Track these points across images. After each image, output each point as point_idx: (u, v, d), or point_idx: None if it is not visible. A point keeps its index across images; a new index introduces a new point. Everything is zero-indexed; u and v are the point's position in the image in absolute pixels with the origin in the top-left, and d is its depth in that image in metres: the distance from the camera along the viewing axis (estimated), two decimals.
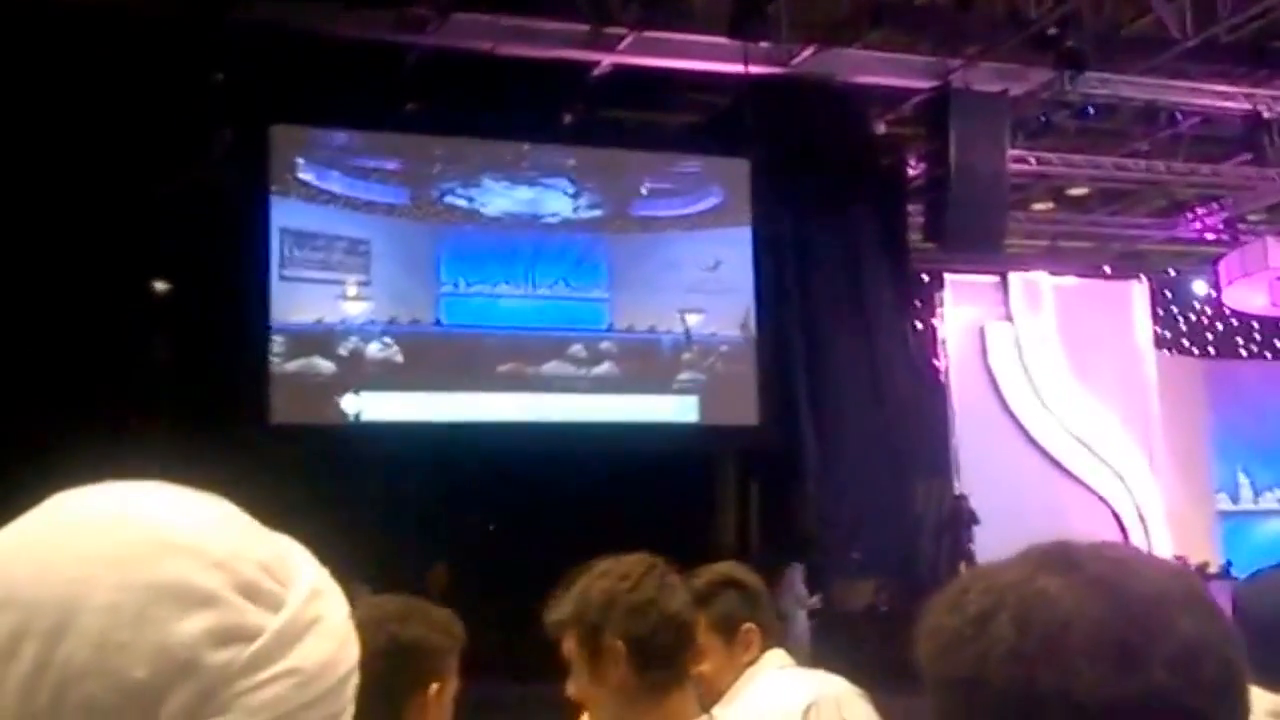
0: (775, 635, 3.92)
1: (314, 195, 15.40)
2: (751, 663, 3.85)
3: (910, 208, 18.29)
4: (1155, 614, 1.12)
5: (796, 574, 15.21)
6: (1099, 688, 1.08)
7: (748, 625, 3.85)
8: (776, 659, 3.84)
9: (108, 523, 0.98)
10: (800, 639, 13.80)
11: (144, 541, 0.97)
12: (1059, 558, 1.18)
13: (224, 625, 0.95)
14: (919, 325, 20.76)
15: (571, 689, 3.01)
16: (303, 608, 1.00)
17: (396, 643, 2.60)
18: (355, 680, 1.04)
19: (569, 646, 2.98)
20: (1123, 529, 20.70)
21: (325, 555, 1.08)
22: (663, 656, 2.93)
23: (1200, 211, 22.13)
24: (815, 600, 15.29)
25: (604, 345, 16.48)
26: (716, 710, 3.38)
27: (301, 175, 15.36)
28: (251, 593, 0.98)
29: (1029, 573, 1.16)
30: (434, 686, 2.64)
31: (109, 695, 0.91)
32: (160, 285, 15.40)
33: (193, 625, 0.94)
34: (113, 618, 0.92)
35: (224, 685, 0.94)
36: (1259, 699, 1.51)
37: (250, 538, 1.02)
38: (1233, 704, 1.13)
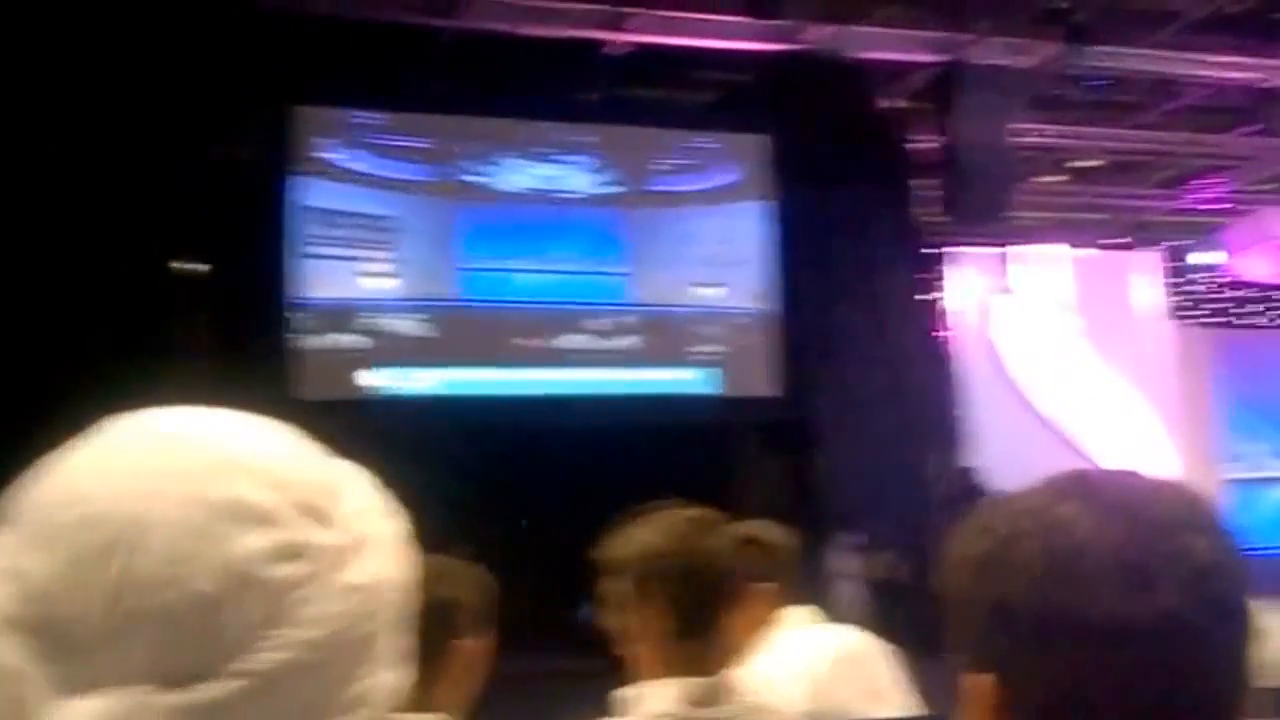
0: (798, 596, 3.89)
1: (337, 174, 15.42)
2: (766, 621, 3.83)
3: (919, 181, 18.25)
4: (1168, 536, 1.16)
5: (848, 543, 15.34)
6: (1114, 609, 1.12)
7: (766, 585, 3.83)
8: (800, 616, 3.83)
9: (173, 442, 1.02)
10: (846, 606, 13.87)
11: (208, 461, 1.00)
12: (1076, 485, 1.22)
13: (282, 542, 0.99)
14: (928, 298, 20.73)
15: (612, 623, 3.03)
16: (359, 526, 1.04)
17: (433, 600, 2.54)
18: (411, 597, 1.07)
19: (614, 589, 3.00)
20: None
21: None
22: (703, 606, 2.94)
23: (1207, 181, 22.08)
24: (862, 569, 15.32)
25: (625, 319, 16.53)
26: (742, 667, 3.39)
27: (324, 155, 15.38)
28: (308, 511, 1.02)
29: (1048, 500, 1.21)
30: (467, 641, 2.66)
31: (176, 606, 0.94)
32: (185, 265, 15.44)
33: (252, 541, 0.97)
34: (179, 531, 0.96)
35: (284, 599, 0.97)
36: None
37: (307, 459, 1.07)
38: (1239, 623, 1.17)
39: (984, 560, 1.20)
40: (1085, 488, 1.21)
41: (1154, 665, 1.13)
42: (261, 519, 0.98)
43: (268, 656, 0.96)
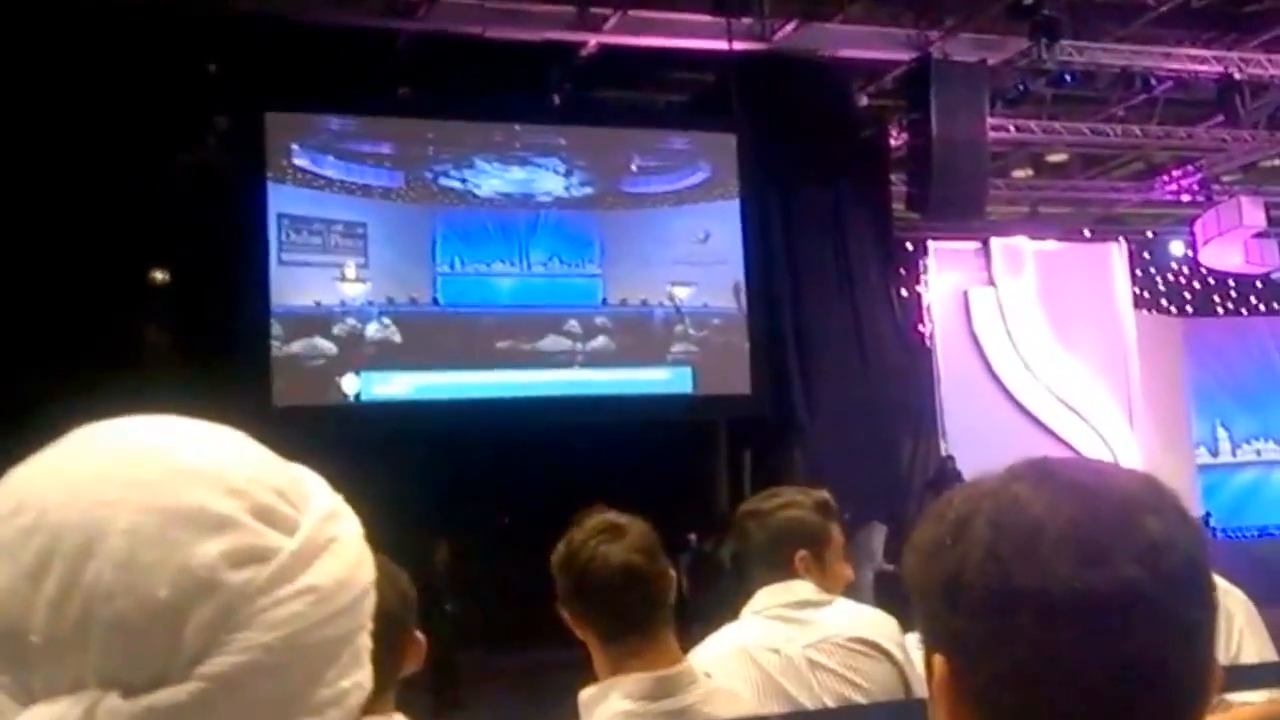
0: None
1: (309, 180, 15.24)
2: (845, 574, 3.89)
3: (893, 177, 18.26)
4: (1123, 514, 1.14)
5: (875, 533, 15.36)
6: (1070, 583, 1.11)
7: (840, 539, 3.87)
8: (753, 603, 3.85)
9: (130, 451, 0.99)
10: (865, 595, 13.95)
11: (165, 468, 0.98)
12: (1034, 467, 1.20)
13: (241, 547, 0.97)
14: (904, 292, 20.74)
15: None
16: (318, 529, 1.01)
17: (406, 596, 2.61)
18: (372, 598, 1.05)
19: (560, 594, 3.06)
20: None
21: None
22: (623, 609, 2.95)
23: (1176, 174, 22.14)
24: (883, 562, 15.34)
25: (598, 320, 16.37)
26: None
27: (297, 161, 15.21)
28: (267, 517, 0.99)
29: (1005, 482, 1.19)
30: (419, 634, 2.67)
31: (135, 613, 0.93)
32: (159, 274, 15.36)
33: (211, 547, 0.95)
34: (136, 540, 0.94)
35: (244, 603, 0.96)
36: None
37: (266, 465, 1.04)
38: (1197, 597, 1.15)
39: (938, 541, 1.19)
40: (1040, 471, 1.19)
41: (1110, 640, 1.11)
42: (219, 525, 0.96)
43: (227, 660, 0.94)
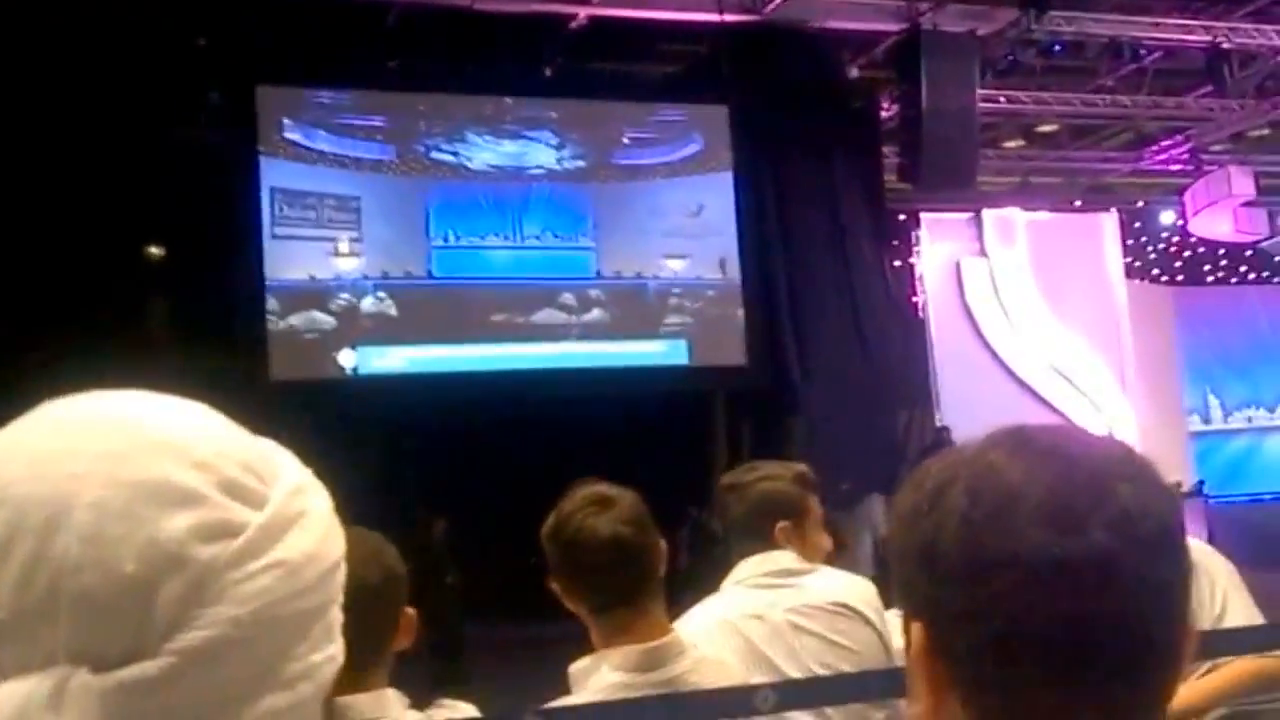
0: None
1: (302, 155, 15.19)
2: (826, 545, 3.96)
3: (885, 149, 18.24)
4: (1096, 481, 1.15)
5: (875, 502, 15.40)
6: (1045, 549, 1.12)
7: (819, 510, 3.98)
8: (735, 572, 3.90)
9: (96, 425, 1.00)
10: (864, 563, 14.00)
11: (131, 442, 0.98)
12: (1010, 436, 1.22)
13: (209, 521, 0.97)
14: (897, 263, 20.75)
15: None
16: (286, 503, 1.01)
17: (390, 572, 2.63)
18: (342, 572, 1.05)
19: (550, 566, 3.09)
20: None
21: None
22: (610, 579, 2.98)
23: (1165, 144, 22.08)
24: (882, 531, 15.38)
25: (593, 293, 16.34)
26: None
27: (289, 135, 15.16)
28: (235, 490, 0.99)
29: (981, 450, 1.21)
30: (409, 610, 2.68)
31: (102, 588, 0.93)
32: (155, 249, 15.34)
33: (179, 522, 0.95)
34: (102, 513, 0.94)
35: (213, 577, 0.95)
36: None
37: (233, 439, 1.04)
38: (1171, 563, 1.16)
39: (916, 508, 1.21)
40: (1017, 438, 1.21)
41: (1084, 606, 1.12)
42: (187, 499, 0.97)
43: (197, 634, 0.94)
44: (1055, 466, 1.17)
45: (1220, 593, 3.84)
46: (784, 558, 3.71)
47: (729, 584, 3.77)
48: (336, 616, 1.05)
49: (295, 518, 1.01)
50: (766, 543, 3.72)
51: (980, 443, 1.22)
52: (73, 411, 1.01)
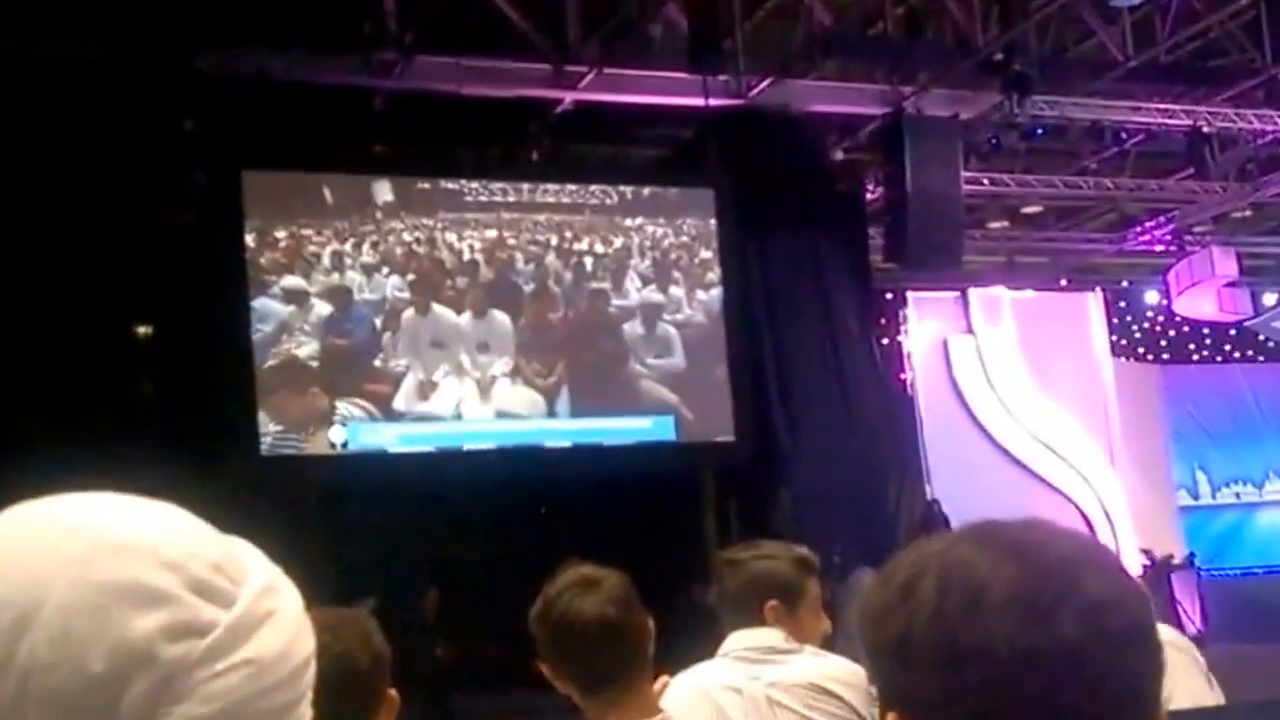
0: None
1: (285, 242, 15.15)
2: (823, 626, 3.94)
3: (871, 229, 18.28)
4: (1064, 573, 1.16)
5: (865, 577, 15.34)
6: (1014, 641, 1.12)
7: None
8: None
9: (65, 526, 0.99)
10: (855, 638, 13.88)
11: (99, 543, 0.98)
12: (981, 528, 1.23)
13: (177, 621, 0.96)
14: (885, 341, 20.77)
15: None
16: (255, 602, 1.01)
17: (379, 655, 2.63)
18: (312, 670, 1.04)
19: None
20: (1090, 526, 20.69)
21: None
22: (593, 660, 2.97)
23: (1148, 224, 22.20)
24: None
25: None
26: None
27: (273, 218, 15.13)
28: (204, 590, 0.99)
29: (950, 543, 1.22)
30: (392, 691, 2.70)
31: (70, 687, 0.92)
32: (143, 328, 15.38)
33: (147, 621, 0.95)
34: (71, 614, 0.93)
35: (181, 676, 0.95)
36: None
37: (202, 539, 1.03)
38: (1140, 653, 1.17)
39: (887, 602, 1.21)
40: (985, 532, 1.22)
41: (1054, 695, 1.12)
42: (155, 599, 0.96)
43: None
44: (1023, 559, 1.18)
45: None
46: (772, 635, 3.71)
47: (717, 656, 3.77)
48: (305, 713, 1.04)
49: (264, 617, 1.01)
50: (755, 620, 3.72)
51: (949, 537, 1.23)
52: (41, 514, 1.01)
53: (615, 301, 16.27)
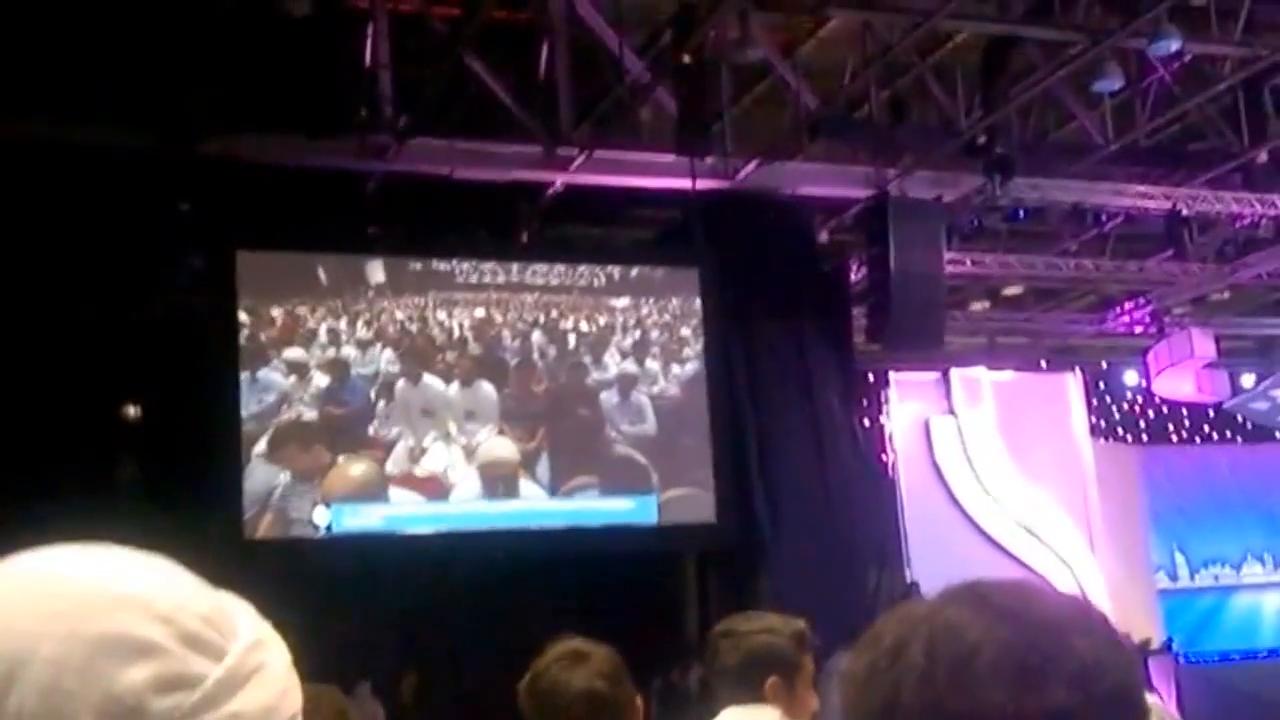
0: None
1: (279, 321, 15.24)
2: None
3: (854, 310, 18.38)
4: (1054, 638, 1.14)
5: (844, 660, 15.23)
6: (1003, 706, 1.10)
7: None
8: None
9: (55, 580, 0.99)
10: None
11: (89, 597, 0.97)
12: (967, 592, 1.21)
13: (167, 674, 0.96)
14: (867, 422, 20.82)
15: None
16: (244, 657, 1.00)
17: None
18: None
19: None
20: None
21: (304, 663, 1.09)
22: None
23: (1128, 306, 22.30)
24: None
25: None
26: None
27: (266, 299, 15.21)
28: (194, 643, 0.98)
29: (939, 607, 1.20)
30: None
31: None
32: (132, 409, 15.37)
33: (136, 674, 0.94)
34: (60, 668, 0.93)
35: None
36: None
37: (192, 592, 1.03)
38: (1129, 717, 1.15)
39: (874, 665, 1.20)
40: (974, 594, 1.21)
41: None
42: (145, 651, 0.96)
43: None
44: (1013, 623, 1.16)
45: None
46: (770, 714, 3.67)
47: None
48: None
49: (253, 671, 1.01)
50: (755, 694, 3.67)
51: (937, 600, 1.22)
52: (31, 567, 1.01)
53: (594, 375, 16.49)
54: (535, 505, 15.94)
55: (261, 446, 14.79)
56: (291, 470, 14.86)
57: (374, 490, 15.28)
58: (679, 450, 16.55)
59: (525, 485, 15.85)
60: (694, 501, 16.46)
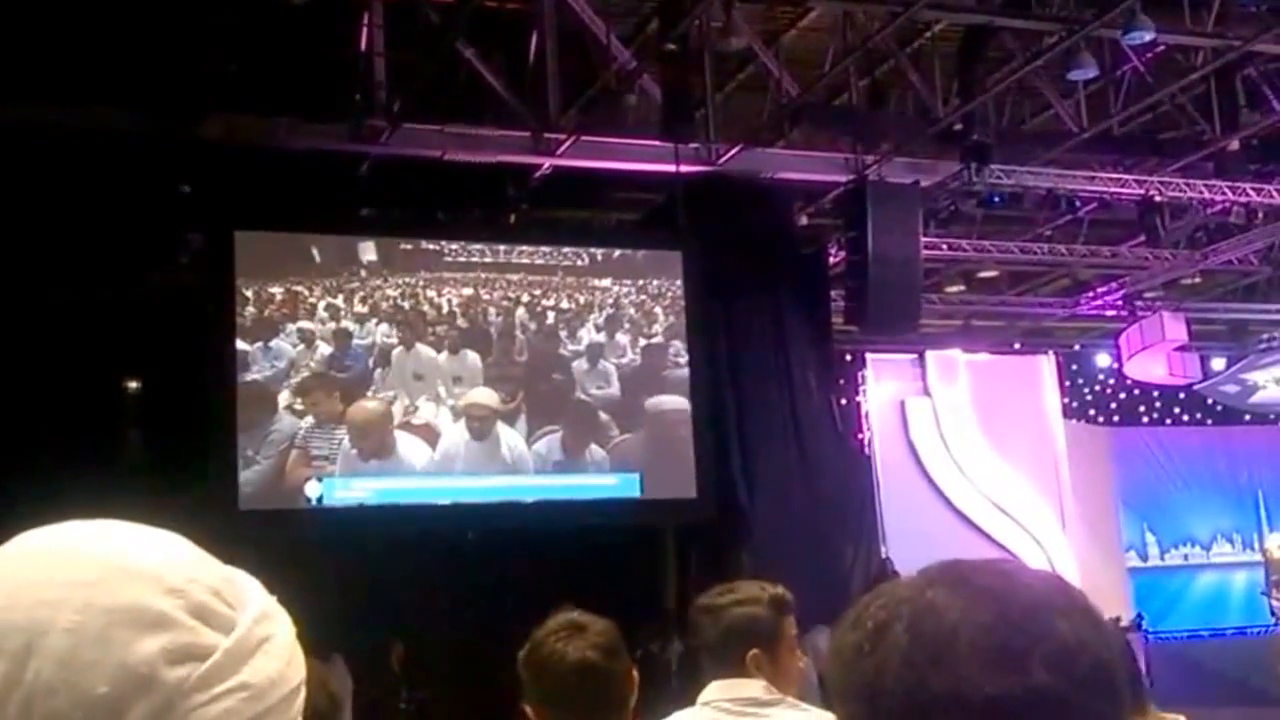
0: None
1: (273, 301, 15.55)
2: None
3: (832, 292, 18.55)
4: (1035, 618, 1.14)
5: (820, 636, 15.44)
6: (985, 687, 1.10)
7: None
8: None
9: (71, 554, 1.01)
10: (812, 694, 13.95)
11: (104, 569, 0.99)
12: (948, 573, 1.21)
13: (179, 645, 0.98)
14: (844, 401, 20.98)
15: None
16: (252, 628, 1.03)
17: (334, 698, 2.66)
18: (302, 696, 1.07)
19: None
20: None
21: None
22: (573, 704, 3.03)
23: (1100, 290, 22.59)
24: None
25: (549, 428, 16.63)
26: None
27: (263, 279, 15.48)
28: (204, 615, 1.01)
29: (921, 588, 1.20)
30: None
31: (74, 710, 0.94)
32: (134, 382, 15.53)
33: (150, 645, 0.97)
34: (76, 638, 0.95)
35: (180, 699, 0.97)
36: None
37: (202, 566, 1.05)
38: (1110, 699, 1.15)
39: (857, 647, 1.19)
40: (955, 575, 1.20)
41: None
42: (158, 623, 0.98)
43: None
44: (994, 604, 1.16)
45: None
46: (754, 687, 3.61)
47: (698, 704, 3.67)
48: None
49: (260, 642, 1.03)
50: (738, 669, 3.62)
51: (918, 580, 1.22)
52: (48, 541, 1.03)
53: (569, 346, 17.07)
54: (521, 481, 16.18)
55: (285, 398, 15.44)
56: (314, 415, 15.49)
57: (385, 424, 15.89)
58: (649, 421, 16.98)
59: (504, 430, 16.39)
60: (675, 477, 16.64)
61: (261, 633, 1.04)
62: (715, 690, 3.64)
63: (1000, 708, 1.10)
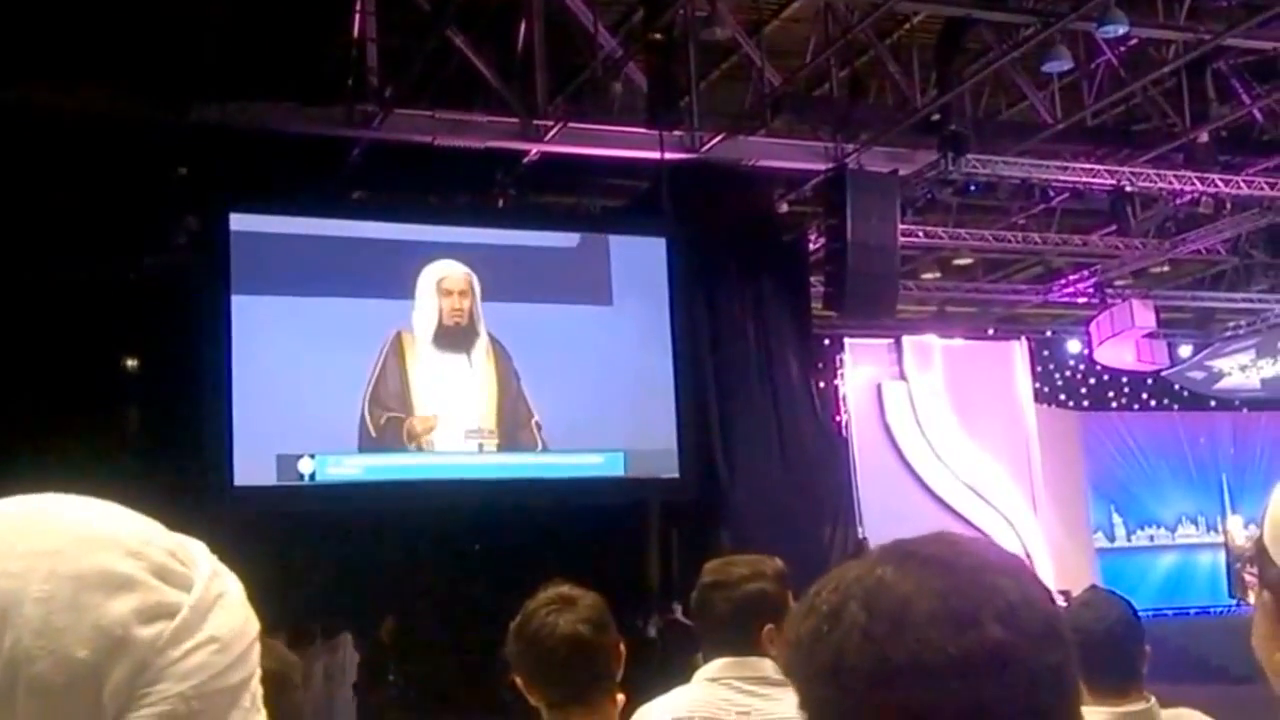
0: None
1: (266, 278, 15.50)
2: None
3: (812, 278, 18.56)
4: (980, 580, 1.17)
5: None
6: (943, 649, 1.13)
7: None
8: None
9: (24, 526, 1.01)
10: None
11: (62, 538, 0.99)
12: (894, 550, 1.22)
13: (148, 604, 0.98)
14: (822, 385, 21.04)
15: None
16: (209, 584, 1.04)
17: (285, 659, 2.68)
18: (258, 649, 1.07)
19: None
20: None
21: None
22: (562, 679, 3.01)
23: (1072, 278, 22.69)
24: None
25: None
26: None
27: (255, 260, 15.42)
28: (164, 575, 1.01)
29: (870, 566, 1.21)
30: (297, 699, 2.77)
31: (56, 675, 0.94)
32: (131, 361, 15.54)
33: (121, 606, 0.97)
34: (49, 607, 0.95)
35: (155, 656, 0.97)
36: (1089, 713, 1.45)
37: (154, 530, 1.06)
38: (1059, 648, 1.18)
39: (815, 631, 1.19)
40: (901, 552, 1.22)
41: (985, 692, 1.13)
42: (125, 584, 0.98)
43: (148, 712, 0.97)
44: (941, 572, 1.18)
45: None
46: (764, 664, 3.50)
47: (700, 677, 3.59)
48: (257, 688, 1.07)
49: (217, 598, 1.04)
50: (748, 644, 3.52)
51: (865, 562, 1.23)
52: (7, 515, 1.03)
53: None
54: (509, 459, 16.20)
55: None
56: None
57: None
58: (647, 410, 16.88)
59: None
60: (659, 457, 16.70)
61: (217, 588, 1.05)
62: (723, 668, 3.55)
63: (959, 663, 1.13)
